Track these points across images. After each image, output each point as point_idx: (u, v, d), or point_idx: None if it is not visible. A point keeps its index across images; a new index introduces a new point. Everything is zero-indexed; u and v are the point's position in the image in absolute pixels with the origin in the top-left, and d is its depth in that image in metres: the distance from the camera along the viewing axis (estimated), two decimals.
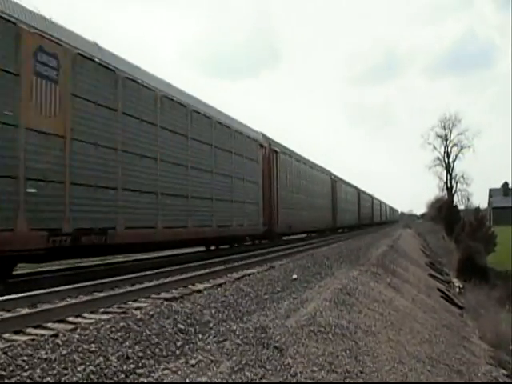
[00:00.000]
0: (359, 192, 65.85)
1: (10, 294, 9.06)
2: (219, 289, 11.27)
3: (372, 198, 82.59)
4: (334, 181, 48.07)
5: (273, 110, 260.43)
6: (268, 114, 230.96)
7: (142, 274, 12.50)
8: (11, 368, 5.35)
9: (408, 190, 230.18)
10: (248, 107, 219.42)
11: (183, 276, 12.68)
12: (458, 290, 37.25)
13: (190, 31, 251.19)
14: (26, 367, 5.41)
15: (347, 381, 7.20)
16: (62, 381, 5.21)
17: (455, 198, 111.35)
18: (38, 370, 5.35)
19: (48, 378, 5.18)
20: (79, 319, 7.93)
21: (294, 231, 33.75)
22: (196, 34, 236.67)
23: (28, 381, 5.11)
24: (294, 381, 6.35)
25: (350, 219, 58.51)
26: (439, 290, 29.79)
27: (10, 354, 5.74)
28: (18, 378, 5.14)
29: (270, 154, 27.87)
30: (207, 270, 13.97)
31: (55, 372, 5.35)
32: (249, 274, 13.87)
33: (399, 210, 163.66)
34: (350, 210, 58.73)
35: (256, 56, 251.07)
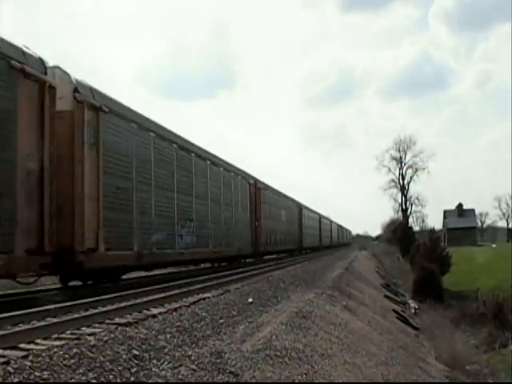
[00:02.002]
0: (320, 217, 72.15)
1: None
2: (174, 313, 11.16)
3: (330, 221, 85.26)
4: (300, 208, 54.75)
5: (230, 130, 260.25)
6: (225, 134, 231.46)
7: (96, 298, 12.32)
8: None
9: (363, 211, 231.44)
10: (205, 128, 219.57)
11: (138, 300, 12.52)
12: (413, 310, 37.58)
13: (146, 54, 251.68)
14: None
15: None
16: None
17: (410, 220, 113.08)
18: None
19: None
20: (31, 345, 7.76)
21: (272, 251, 40.67)
22: (152, 57, 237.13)
23: None
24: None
25: (313, 241, 65.13)
26: (395, 311, 30.00)
27: None
28: None
29: (256, 190, 34.03)
30: (162, 295, 13.83)
31: None
32: (204, 298, 13.77)
33: (354, 232, 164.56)
34: (313, 234, 65.02)
35: (212, 77, 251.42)
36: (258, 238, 33.55)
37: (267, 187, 38.92)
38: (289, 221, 47.51)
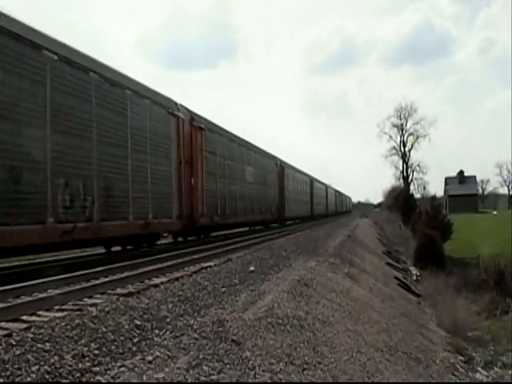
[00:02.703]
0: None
1: None
2: (176, 283, 11.18)
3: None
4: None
5: (232, 101, 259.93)
6: (227, 107, 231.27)
7: (98, 269, 12.32)
8: None
9: (365, 179, 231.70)
10: (206, 98, 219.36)
11: (140, 270, 12.53)
12: (415, 277, 37.61)
13: (147, 24, 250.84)
14: None
15: (306, 372, 7.21)
16: (16, 381, 5.11)
17: (411, 187, 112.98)
18: None
19: (0, 380, 5.08)
20: (33, 317, 7.79)
21: (291, 218, 42.60)
22: (152, 27, 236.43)
23: None
24: (253, 373, 6.34)
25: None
26: (396, 278, 30.09)
27: None
28: None
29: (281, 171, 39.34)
30: (164, 264, 13.86)
31: (8, 373, 5.24)
32: (206, 267, 13.79)
33: (356, 200, 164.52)
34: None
35: (213, 47, 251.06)
36: (284, 207, 43.35)
37: (289, 167, 47.36)
38: (303, 192, 54.30)
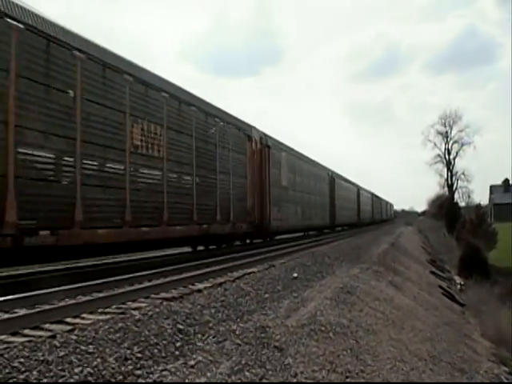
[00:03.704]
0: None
1: (8, 295, 8.99)
2: (219, 288, 11.17)
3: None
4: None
5: (273, 107, 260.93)
6: (269, 112, 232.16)
7: (142, 273, 12.39)
8: (7, 370, 5.27)
9: (409, 187, 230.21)
10: (248, 105, 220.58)
11: (183, 275, 12.58)
12: (459, 287, 37.19)
13: (189, 31, 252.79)
14: (23, 369, 5.33)
15: (348, 380, 7.14)
16: (59, 382, 5.13)
17: (456, 195, 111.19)
18: (35, 372, 5.27)
19: (44, 381, 5.11)
20: (77, 320, 7.85)
21: (340, 225, 43.96)
22: (195, 34, 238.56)
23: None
24: (295, 381, 6.29)
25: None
26: (440, 287, 29.75)
27: (6, 355, 5.66)
28: (15, 380, 5.06)
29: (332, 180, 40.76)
30: (207, 269, 13.88)
31: (52, 374, 5.27)
32: (249, 273, 13.77)
33: (399, 207, 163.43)
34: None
35: (256, 54, 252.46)
36: (335, 215, 46.69)
37: (339, 177, 51.46)
38: (351, 200, 57.71)
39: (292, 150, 33.72)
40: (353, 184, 62.52)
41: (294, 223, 32.86)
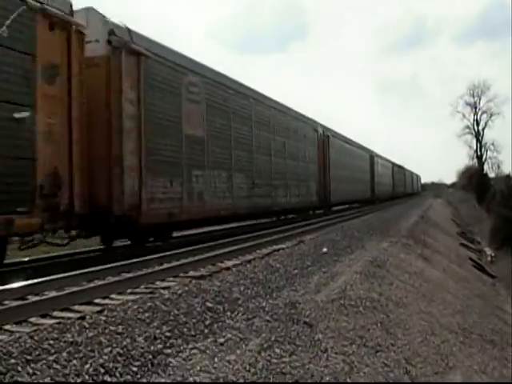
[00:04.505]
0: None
1: (37, 278, 9.04)
2: (248, 265, 11.14)
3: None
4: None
5: (301, 82, 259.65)
6: (297, 87, 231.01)
7: (170, 252, 12.39)
8: (37, 352, 5.28)
9: (438, 159, 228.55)
10: (277, 81, 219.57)
11: (212, 253, 12.55)
12: (489, 258, 36.93)
13: (218, 11, 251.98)
14: (52, 351, 5.34)
15: (378, 354, 7.10)
16: (89, 363, 5.14)
17: (485, 166, 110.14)
18: (64, 354, 5.27)
19: (74, 361, 5.10)
20: (106, 301, 7.86)
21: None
22: (223, 14, 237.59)
23: (54, 364, 5.04)
24: (325, 355, 6.26)
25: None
26: (471, 259, 29.58)
27: (36, 338, 5.68)
28: (44, 361, 5.07)
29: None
30: (236, 247, 13.84)
31: (81, 355, 5.27)
32: (278, 250, 13.74)
33: (429, 180, 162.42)
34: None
35: (284, 30, 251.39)
36: (374, 189, 51.37)
37: (379, 156, 54.45)
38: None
39: (341, 135, 39.97)
40: (388, 161, 66.71)
41: (345, 197, 39.14)
